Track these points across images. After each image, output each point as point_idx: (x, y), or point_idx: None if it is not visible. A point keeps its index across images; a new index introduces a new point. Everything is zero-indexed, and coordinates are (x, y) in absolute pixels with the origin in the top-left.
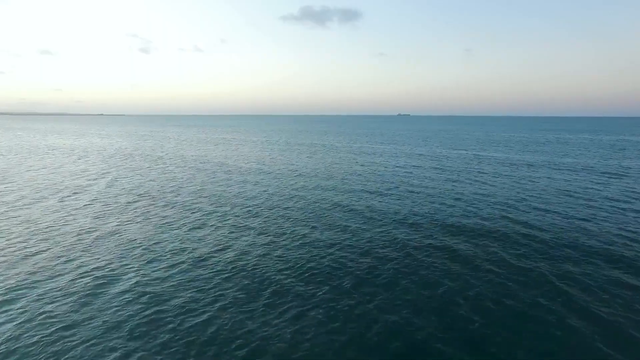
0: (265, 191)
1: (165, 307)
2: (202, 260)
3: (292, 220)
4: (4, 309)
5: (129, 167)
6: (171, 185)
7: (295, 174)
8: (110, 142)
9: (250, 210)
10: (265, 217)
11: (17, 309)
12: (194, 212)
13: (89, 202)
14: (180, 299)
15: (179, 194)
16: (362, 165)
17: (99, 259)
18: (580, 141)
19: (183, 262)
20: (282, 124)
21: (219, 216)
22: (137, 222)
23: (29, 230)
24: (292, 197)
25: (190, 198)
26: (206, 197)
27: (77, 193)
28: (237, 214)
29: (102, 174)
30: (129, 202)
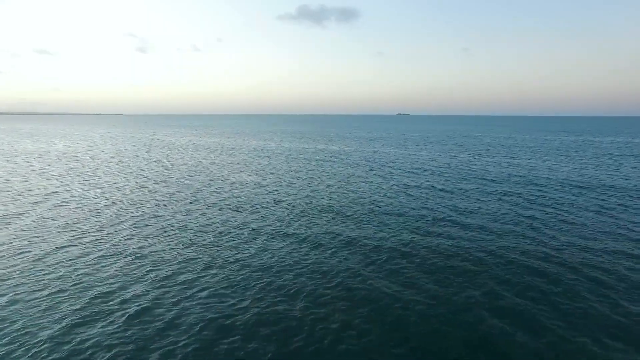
0: (247, 239)
1: None
2: None
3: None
4: None
5: (81, 181)
6: (113, 216)
7: (298, 205)
8: (85, 147)
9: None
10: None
11: None
12: (128, 270)
13: None
14: None
15: (115, 236)
16: (385, 188)
17: None
18: (618, 145)
19: None
20: (280, 124)
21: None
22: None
23: None
24: (293, 261)
25: (129, 239)
26: (152, 246)
27: None
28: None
29: (33, 194)
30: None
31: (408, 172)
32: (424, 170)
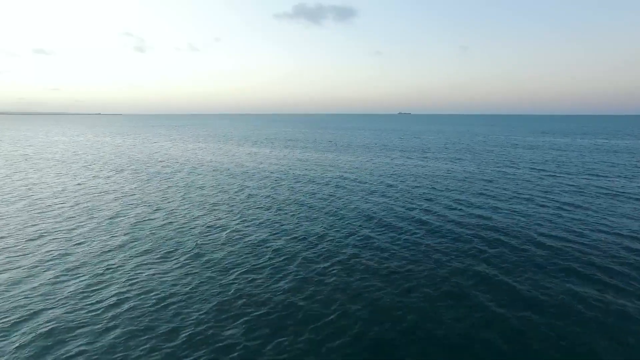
0: None
1: None
2: None
3: None
4: None
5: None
6: None
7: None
8: (38, 151)
9: None
10: None
11: None
12: None
13: None
14: None
15: None
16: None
17: None
18: None
19: None
20: (279, 125)
21: None
22: None
23: None
24: None
25: None
26: None
27: None
28: None
29: None
30: None
31: (469, 219)
32: (501, 225)
